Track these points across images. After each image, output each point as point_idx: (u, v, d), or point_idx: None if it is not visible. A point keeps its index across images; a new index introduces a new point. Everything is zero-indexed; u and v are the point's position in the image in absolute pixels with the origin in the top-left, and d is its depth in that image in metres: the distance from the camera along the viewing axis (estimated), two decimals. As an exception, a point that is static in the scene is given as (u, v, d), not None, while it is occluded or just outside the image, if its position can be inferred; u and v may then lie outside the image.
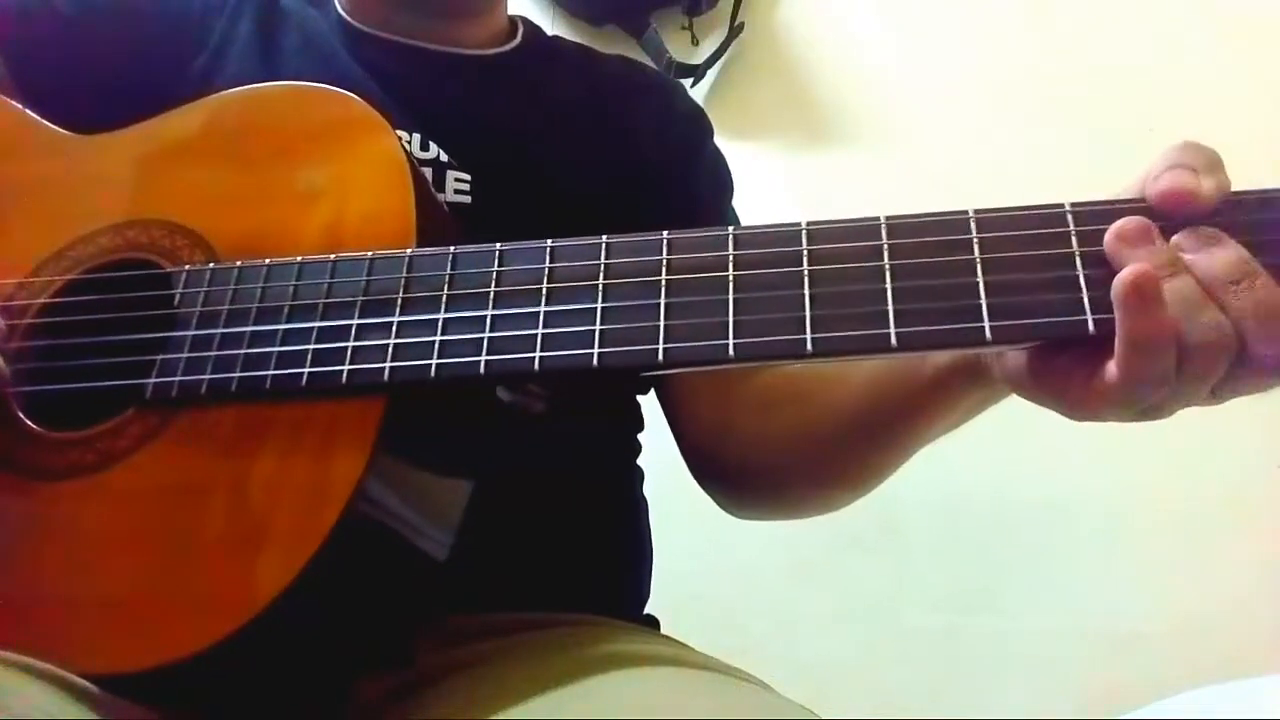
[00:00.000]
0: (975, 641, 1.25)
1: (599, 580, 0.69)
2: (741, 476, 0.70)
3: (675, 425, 0.73)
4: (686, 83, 1.50)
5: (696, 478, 0.73)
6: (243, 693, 0.50)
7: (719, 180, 0.79)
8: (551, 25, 1.56)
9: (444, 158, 0.67)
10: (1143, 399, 0.41)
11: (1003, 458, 1.23)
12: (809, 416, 0.64)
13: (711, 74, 1.50)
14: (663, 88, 0.82)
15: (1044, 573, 1.25)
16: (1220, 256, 0.40)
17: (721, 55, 1.50)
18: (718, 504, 0.73)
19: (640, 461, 0.76)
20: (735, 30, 1.50)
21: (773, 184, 1.43)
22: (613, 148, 0.74)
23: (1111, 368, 0.40)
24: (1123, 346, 0.40)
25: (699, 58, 1.50)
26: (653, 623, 0.73)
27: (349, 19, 0.74)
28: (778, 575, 1.29)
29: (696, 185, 0.77)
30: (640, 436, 0.76)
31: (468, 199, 0.67)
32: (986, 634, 1.25)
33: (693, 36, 1.53)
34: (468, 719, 0.49)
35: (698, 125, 0.81)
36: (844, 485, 0.66)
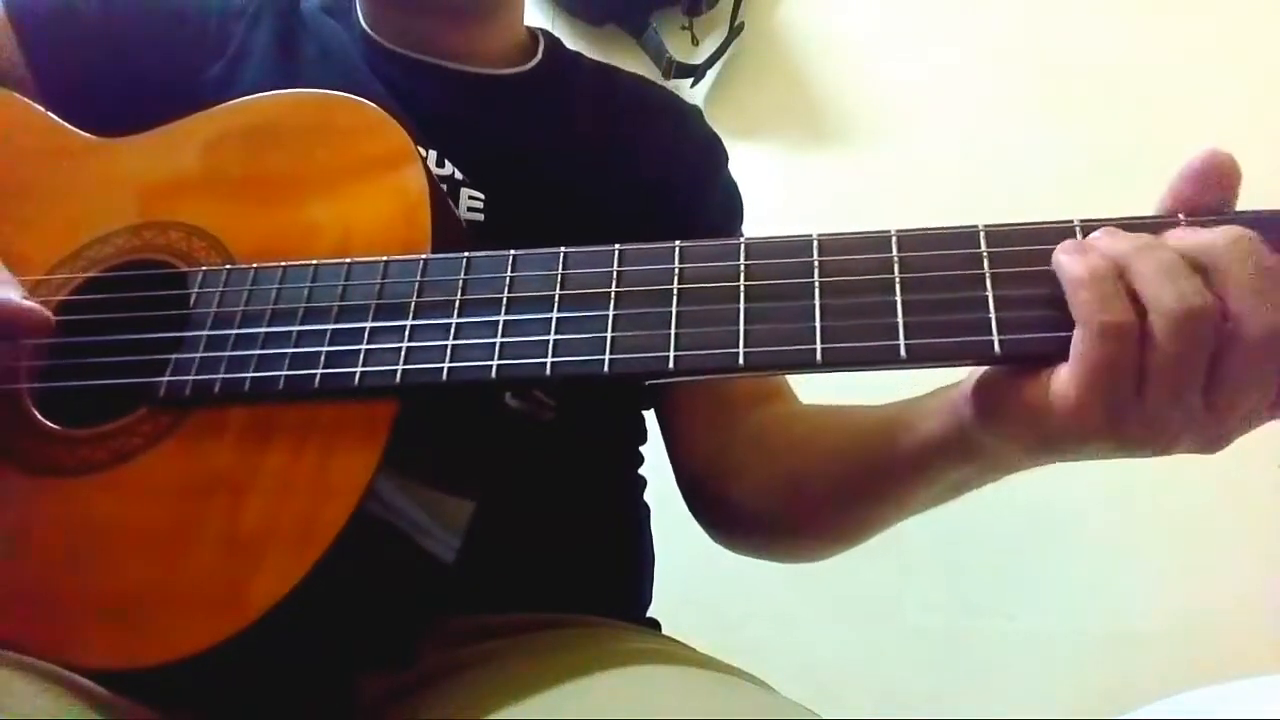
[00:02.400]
0: (976, 641, 1.25)
1: (601, 584, 0.69)
2: (735, 516, 0.70)
3: (674, 458, 0.74)
4: (686, 83, 1.50)
5: (692, 511, 0.73)
6: (247, 690, 0.50)
7: (730, 209, 0.80)
8: (552, 25, 1.56)
9: (459, 175, 0.68)
10: (1112, 394, 0.40)
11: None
12: (802, 469, 0.64)
13: (711, 74, 1.50)
14: (679, 111, 0.82)
15: (1044, 573, 1.25)
16: (1208, 237, 0.39)
17: (721, 55, 1.50)
18: (712, 538, 0.73)
19: (645, 465, 0.76)
20: (735, 30, 1.50)
21: (773, 184, 1.43)
22: (625, 170, 0.74)
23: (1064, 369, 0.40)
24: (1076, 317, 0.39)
25: (699, 58, 1.50)
26: (654, 626, 0.73)
27: (371, 33, 0.75)
28: (779, 576, 1.28)
29: (707, 211, 0.77)
30: (644, 447, 0.77)
31: (481, 217, 0.67)
32: (987, 634, 1.25)
33: (693, 36, 1.53)
34: (468, 719, 0.49)
35: (712, 151, 0.81)
36: (834, 539, 0.66)
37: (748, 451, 0.68)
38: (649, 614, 0.74)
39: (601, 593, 0.68)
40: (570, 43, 1.57)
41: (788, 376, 0.73)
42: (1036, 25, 1.43)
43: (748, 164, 1.44)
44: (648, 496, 0.77)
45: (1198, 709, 0.94)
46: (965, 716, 1.20)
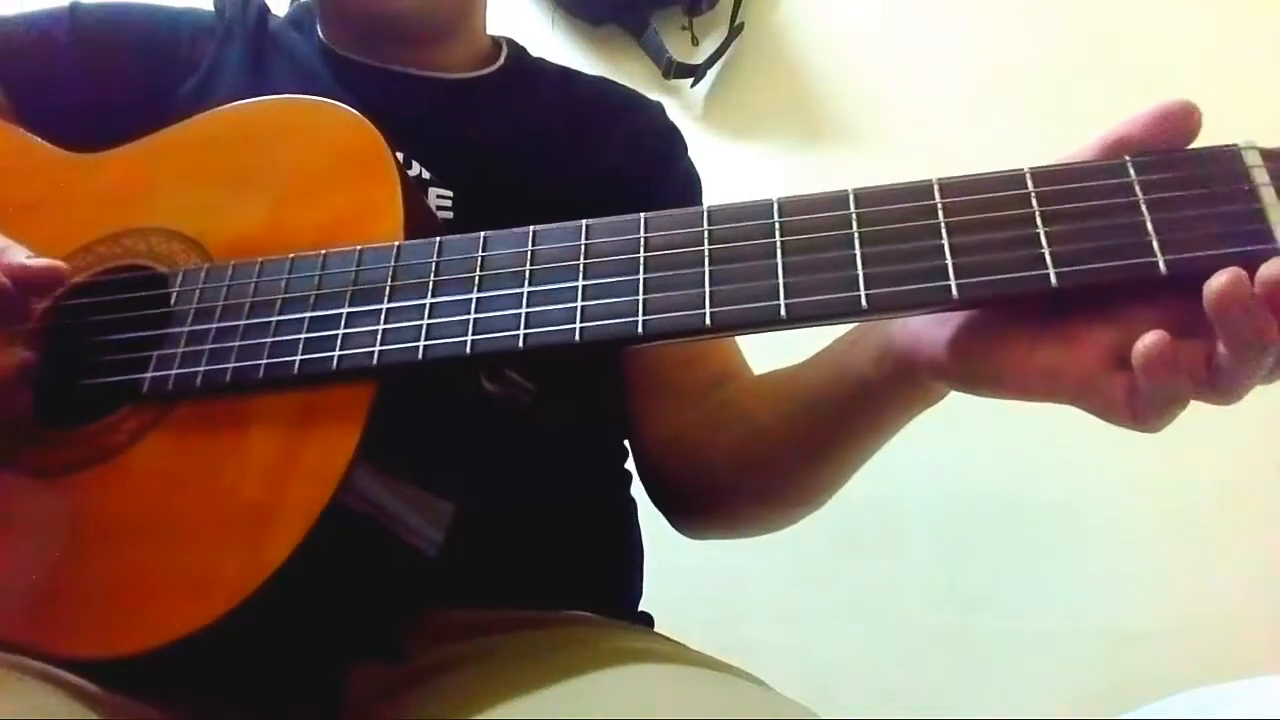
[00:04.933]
0: (975, 641, 1.25)
1: (591, 578, 0.69)
2: (696, 496, 0.71)
3: (634, 448, 0.75)
4: (686, 83, 1.50)
5: (657, 504, 0.74)
6: (234, 680, 0.51)
7: (688, 195, 0.81)
8: (551, 25, 1.57)
9: (426, 175, 0.69)
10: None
11: (1003, 458, 1.23)
12: (750, 435, 0.65)
13: (711, 74, 1.50)
14: (639, 107, 0.84)
15: (1044, 573, 1.25)
16: None
17: (721, 55, 1.50)
18: (672, 524, 0.74)
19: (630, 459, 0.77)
20: (735, 30, 1.50)
21: (772, 184, 1.43)
22: (587, 165, 0.76)
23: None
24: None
25: (699, 58, 1.50)
26: (646, 620, 0.73)
27: (330, 45, 0.76)
28: (777, 574, 1.29)
29: (665, 200, 0.78)
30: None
31: (450, 215, 0.68)
32: (986, 634, 1.25)
33: (693, 36, 1.53)
34: (463, 718, 0.49)
35: (670, 142, 0.83)
36: (788, 501, 0.67)
37: (702, 433, 0.69)
38: (643, 609, 0.74)
39: (591, 587, 0.68)
40: (570, 43, 1.59)
41: (746, 359, 0.75)
42: (1036, 25, 1.43)
43: (748, 164, 1.45)
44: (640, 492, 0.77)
45: (1198, 709, 0.94)
46: (965, 716, 1.20)
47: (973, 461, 1.21)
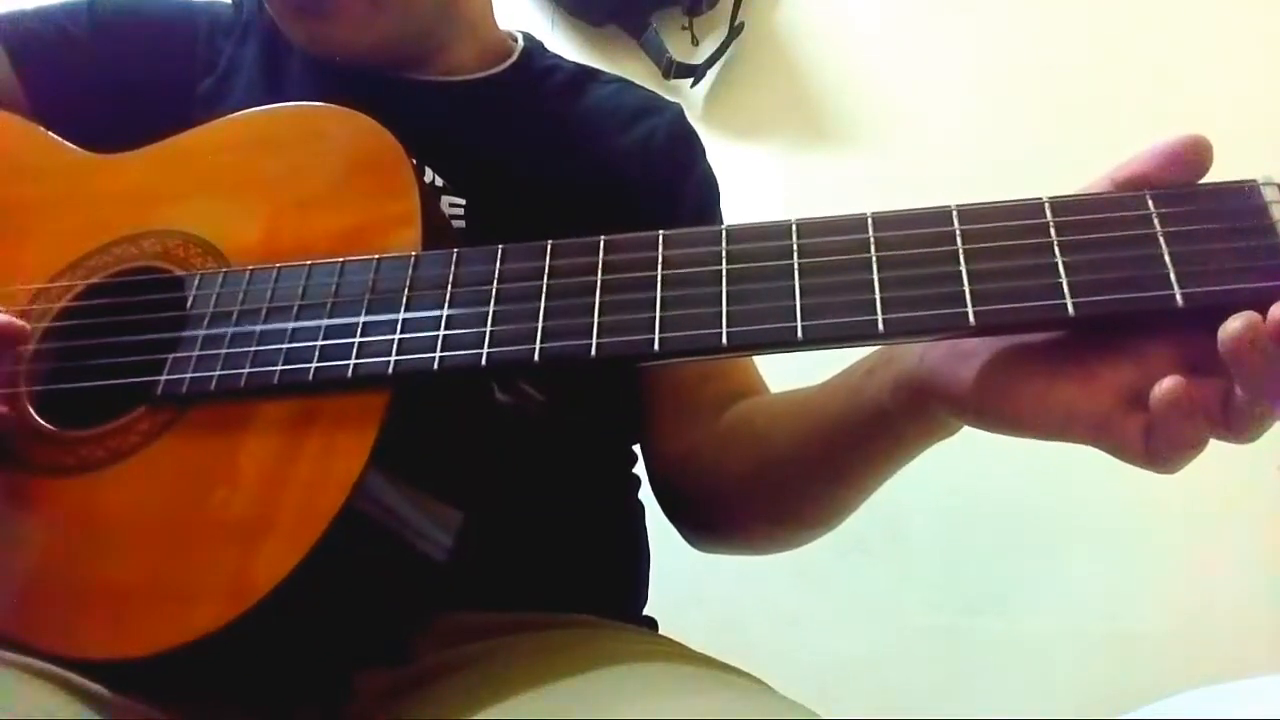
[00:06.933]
0: (976, 642, 1.25)
1: (598, 582, 0.69)
2: (710, 515, 0.71)
3: (647, 465, 0.75)
4: (686, 83, 1.50)
5: (671, 519, 0.74)
6: (243, 683, 0.50)
7: (705, 202, 0.80)
8: (551, 25, 1.57)
9: (439, 182, 0.68)
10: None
11: (1004, 460, 1.23)
12: (763, 455, 0.64)
13: (711, 74, 1.51)
14: (655, 111, 0.81)
15: (1045, 573, 1.26)
16: None
17: (721, 55, 1.50)
18: (692, 544, 0.74)
19: (638, 464, 0.77)
20: (735, 30, 1.51)
21: (772, 184, 1.44)
22: (599, 173, 0.75)
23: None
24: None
25: (699, 58, 1.50)
26: (651, 624, 0.73)
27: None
28: (780, 576, 1.29)
29: (683, 208, 0.77)
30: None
31: (462, 223, 0.68)
32: (987, 634, 1.25)
33: (693, 36, 1.53)
34: (468, 719, 0.49)
35: (687, 147, 0.81)
36: (801, 523, 0.67)
37: (715, 451, 0.68)
38: (647, 612, 0.74)
39: (598, 591, 0.68)
40: (571, 43, 1.59)
41: (764, 377, 0.74)
42: (1037, 25, 1.43)
43: (748, 164, 1.46)
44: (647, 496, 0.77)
45: (1198, 709, 0.94)
46: (965, 716, 1.20)
47: (974, 463, 1.21)
